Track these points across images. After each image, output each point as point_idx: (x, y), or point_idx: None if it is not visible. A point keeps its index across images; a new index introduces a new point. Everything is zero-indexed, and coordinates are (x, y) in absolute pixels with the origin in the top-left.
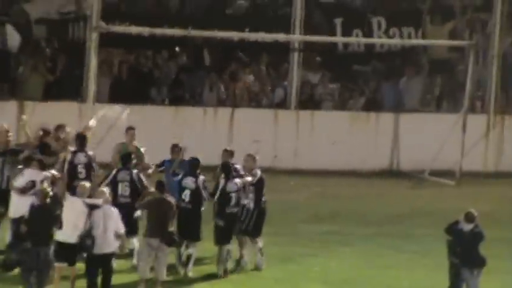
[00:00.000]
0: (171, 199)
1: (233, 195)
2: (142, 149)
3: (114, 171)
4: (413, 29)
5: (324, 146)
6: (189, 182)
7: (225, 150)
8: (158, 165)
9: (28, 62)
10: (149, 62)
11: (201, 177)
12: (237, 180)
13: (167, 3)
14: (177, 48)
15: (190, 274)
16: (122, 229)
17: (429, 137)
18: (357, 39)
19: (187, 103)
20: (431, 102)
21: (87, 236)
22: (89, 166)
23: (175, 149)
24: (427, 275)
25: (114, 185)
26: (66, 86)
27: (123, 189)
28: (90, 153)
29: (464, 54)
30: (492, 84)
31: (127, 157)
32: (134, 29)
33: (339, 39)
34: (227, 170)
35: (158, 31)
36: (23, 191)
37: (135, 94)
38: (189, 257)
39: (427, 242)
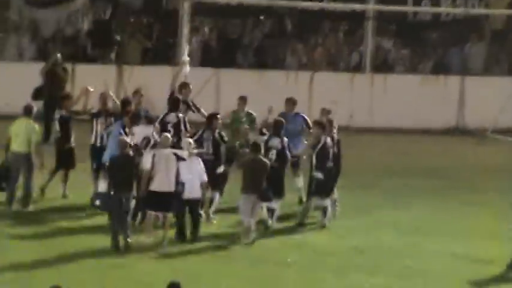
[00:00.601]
0: (265, 159)
1: (330, 150)
2: (254, 114)
3: (200, 131)
4: None
5: (396, 106)
6: (275, 142)
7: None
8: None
9: (127, 30)
10: (236, 29)
11: (285, 138)
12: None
13: None
14: (261, 17)
15: (274, 226)
16: (205, 178)
17: (492, 98)
18: (426, 9)
19: (270, 67)
20: (494, 66)
21: (177, 182)
22: (177, 126)
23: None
24: (491, 223)
25: (199, 143)
26: (160, 52)
27: (207, 147)
28: (180, 115)
29: None
30: None
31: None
32: None
33: (409, 8)
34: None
35: (245, 1)
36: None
37: (223, 59)
38: (272, 212)
39: (491, 194)
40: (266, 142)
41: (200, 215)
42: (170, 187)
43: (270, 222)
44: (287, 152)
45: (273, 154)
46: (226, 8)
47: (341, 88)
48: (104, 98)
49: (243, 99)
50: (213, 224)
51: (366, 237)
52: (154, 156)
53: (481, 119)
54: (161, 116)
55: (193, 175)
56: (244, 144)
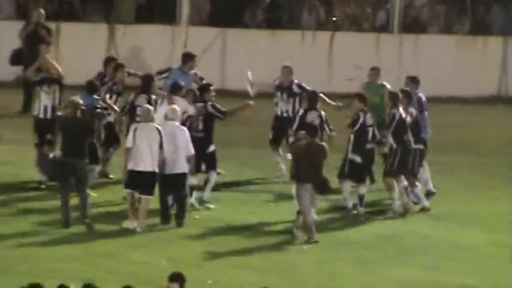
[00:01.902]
0: (322, 143)
1: (370, 129)
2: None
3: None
4: None
5: (430, 72)
6: (314, 116)
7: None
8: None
9: None
10: None
11: (323, 112)
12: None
13: None
14: None
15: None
16: (191, 151)
17: None
18: None
19: (284, 26)
20: None
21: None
22: None
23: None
24: None
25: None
26: (158, 9)
27: (197, 123)
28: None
29: None
30: None
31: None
32: None
33: None
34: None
35: None
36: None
37: (230, 17)
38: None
39: None
40: (302, 117)
41: (185, 194)
42: (153, 166)
43: None
44: (326, 127)
45: None
46: None
47: (365, 51)
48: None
49: (375, 70)
50: (211, 209)
51: (394, 224)
52: (135, 131)
53: None
54: None
55: (178, 147)
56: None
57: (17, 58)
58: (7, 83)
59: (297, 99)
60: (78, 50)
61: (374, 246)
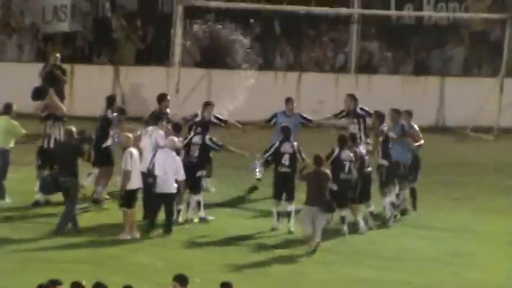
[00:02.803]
0: (327, 170)
1: (347, 163)
2: None
3: (191, 135)
4: (458, 3)
5: (380, 106)
6: (287, 147)
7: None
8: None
9: (122, 31)
10: (227, 32)
11: (295, 142)
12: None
13: None
14: (251, 20)
15: (292, 229)
16: (182, 176)
17: (471, 98)
18: (409, 13)
19: (260, 68)
20: (473, 68)
21: (149, 175)
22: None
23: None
24: (472, 216)
25: (188, 147)
26: (155, 53)
27: (194, 151)
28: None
29: (502, 26)
30: None
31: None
32: (213, 3)
33: (393, 12)
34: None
35: (235, 5)
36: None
37: (214, 60)
38: (289, 214)
39: (471, 188)
40: (278, 148)
41: (172, 209)
42: (140, 183)
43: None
44: (298, 156)
45: (285, 160)
46: (217, 12)
47: (327, 88)
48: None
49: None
50: (211, 221)
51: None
52: (131, 155)
53: (460, 118)
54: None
55: (169, 171)
56: None
57: (37, 94)
58: (28, 115)
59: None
60: (89, 87)
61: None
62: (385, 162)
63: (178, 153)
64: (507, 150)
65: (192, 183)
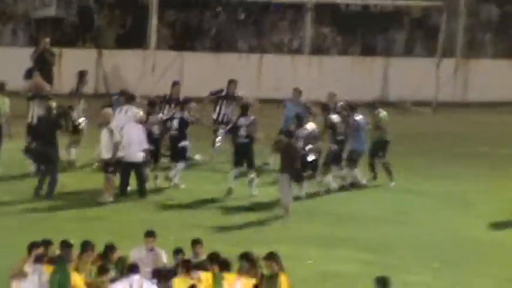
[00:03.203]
0: (298, 144)
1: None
2: None
3: (172, 112)
4: None
5: (332, 84)
6: (243, 121)
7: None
8: None
9: (103, 18)
10: (196, 19)
11: (252, 117)
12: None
13: None
14: (218, 8)
15: (254, 193)
16: (145, 145)
17: (411, 76)
18: (356, 1)
19: (225, 50)
20: (413, 49)
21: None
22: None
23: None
24: (412, 181)
25: (170, 121)
26: (133, 38)
27: (175, 124)
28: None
29: (438, 12)
30: (459, 35)
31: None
32: None
33: (342, 1)
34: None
35: None
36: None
37: (186, 44)
38: (251, 180)
39: (411, 159)
40: (235, 122)
41: (143, 175)
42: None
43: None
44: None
45: (242, 131)
46: (187, 1)
47: (285, 68)
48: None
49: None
50: (182, 188)
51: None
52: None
53: (402, 93)
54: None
55: (135, 141)
56: None
57: (28, 74)
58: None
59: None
60: (75, 68)
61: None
62: (333, 146)
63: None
64: (444, 122)
65: (175, 153)
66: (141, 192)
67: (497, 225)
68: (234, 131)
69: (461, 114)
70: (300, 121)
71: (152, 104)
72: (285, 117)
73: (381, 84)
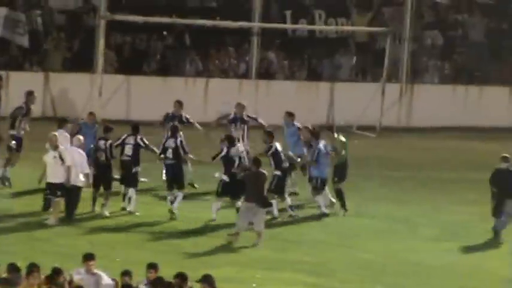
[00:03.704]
0: (264, 171)
1: (236, 159)
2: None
3: (124, 136)
4: (345, 18)
5: (278, 108)
6: (170, 143)
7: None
8: None
9: (51, 42)
10: (143, 42)
11: (180, 139)
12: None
13: None
14: (164, 32)
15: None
16: (86, 169)
17: (356, 100)
18: (303, 27)
19: (172, 74)
20: (358, 74)
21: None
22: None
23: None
24: (358, 204)
25: (122, 146)
26: (81, 61)
27: (127, 150)
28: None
29: (383, 38)
30: (404, 60)
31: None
32: (131, 18)
33: (288, 26)
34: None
35: (150, 19)
36: None
37: (133, 67)
38: (175, 199)
39: (357, 180)
40: (164, 143)
41: (76, 198)
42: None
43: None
44: (181, 150)
45: (169, 153)
46: (135, 25)
47: (231, 92)
48: None
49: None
50: (137, 216)
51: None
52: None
53: (347, 118)
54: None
55: (76, 164)
56: None
57: None
58: None
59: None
60: (22, 91)
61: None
62: (277, 172)
63: (108, 152)
64: (388, 146)
65: (128, 179)
66: (69, 214)
67: (440, 249)
68: (162, 152)
69: (405, 139)
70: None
71: (107, 130)
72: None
73: (327, 109)
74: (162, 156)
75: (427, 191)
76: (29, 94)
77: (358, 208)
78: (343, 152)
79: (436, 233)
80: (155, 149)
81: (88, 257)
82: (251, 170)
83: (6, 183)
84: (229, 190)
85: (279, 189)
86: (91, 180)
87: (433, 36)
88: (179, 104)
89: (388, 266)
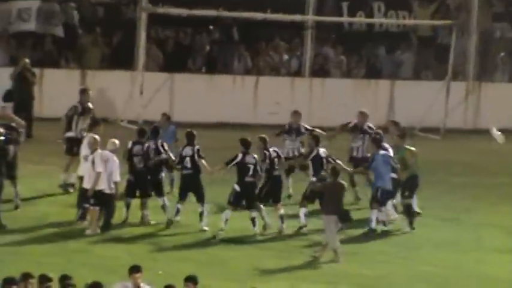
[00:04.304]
0: (344, 182)
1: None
2: None
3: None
4: (407, 11)
5: (333, 107)
6: (188, 151)
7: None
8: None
9: (88, 37)
10: (188, 37)
11: (196, 146)
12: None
13: None
14: (210, 26)
15: (206, 228)
16: (116, 177)
17: (419, 100)
18: (360, 20)
19: (219, 72)
20: (421, 72)
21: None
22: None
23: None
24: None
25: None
26: (120, 58)
27: (139, 161)
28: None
29: (448, 31)
30: (471, 56)
31: (142, 132)
32: (174, 10)
33: (345, 19)
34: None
35: (195, 12)
36: None
37: (177, 64)
38: (201, 214)
39: (420, 187)
40: (181, 152)
41: (111, 208)
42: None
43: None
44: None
45: (187, 162)
46: (178, 18)
47: (283, 91)
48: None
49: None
50: (178, 225)
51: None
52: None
53: (408, 119)
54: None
55: (107, 172)
56: None
57: (8, 97)
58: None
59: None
60: (57, 90)
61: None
62: (313, 179)
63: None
64: (453, 150)
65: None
66: (105, 224)
67: (509, 261)
68: (180, 162)
69: (472, 142)
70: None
71: (141, 133)
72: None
73: (386, 109)
74: (179, 166)
75: (496, 198)
76: (82, 92)
77: (422, 217)
78: (412, 163)
79: (505, 243)
80: (172, 156)
81: (134, 270)
82: (329, 180)
83: (71, 189)
84: (242, 199)
85: (311, 196)
86: (124, 188)
87: (502, 29)
88: (297, 114)
89: (452, 279)
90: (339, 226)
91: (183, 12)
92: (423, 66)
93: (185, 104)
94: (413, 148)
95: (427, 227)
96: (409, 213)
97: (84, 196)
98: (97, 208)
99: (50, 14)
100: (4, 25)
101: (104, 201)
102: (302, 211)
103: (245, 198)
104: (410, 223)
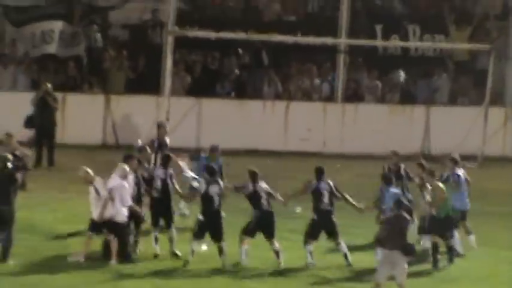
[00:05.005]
0: (407, 215)
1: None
2: None
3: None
4: (443, 35)
5: (366, 134)
6: (160, 173)
7: None
8: None
9: (113, 61)
10: (216, 61)
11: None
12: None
13: (231, 11)
14: (239, 50)
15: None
16: (127, 202)
17: (455, 126)
18: (395, 43)
19: (249, 97)
20: (458, 97)
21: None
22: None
23: None
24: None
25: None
26: (145, 82)
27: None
28: None
29: (486, 55)
30: (510, 81)
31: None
32: (202, 33)
33: (379, 43)
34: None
35: (223, 35)
36: None
37: (204, 89)
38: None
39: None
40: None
41: (124, 237)
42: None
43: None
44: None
45: (158, 185)
46: (206, 42)
47: (315, 117)
48: None
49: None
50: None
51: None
52: None
53: (445, 146)
54: None
55: (117, 199)
56: None
57: (29, 122)
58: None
59: None
60: (81, 115)
61: None
62: (314, 216)
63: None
64: (490, 178)
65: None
66: (123, 254)
67: None
68: (147, 183)
69: (510, 170)
70: None
71: (166, 160)
72: None
73: (422, 136)
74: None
75: None
76: (159, 127)
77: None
78: (445, 197)
79: None
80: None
81: None
82: (392, 213)
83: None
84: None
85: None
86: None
87: None
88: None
89: None
90: (405, 259)
91: (211, 35)
92: (460, 91)
93: (213, 130)
94: (441, 185)
95: (463, 259)
96: (435, 251)
97: (94, 227)
98: (110, 236)
99: (73, 36)
100: (28, 48)
101: (116, 230)
102: (307, 249)
103: (263, 229)
104: (435, 263)
